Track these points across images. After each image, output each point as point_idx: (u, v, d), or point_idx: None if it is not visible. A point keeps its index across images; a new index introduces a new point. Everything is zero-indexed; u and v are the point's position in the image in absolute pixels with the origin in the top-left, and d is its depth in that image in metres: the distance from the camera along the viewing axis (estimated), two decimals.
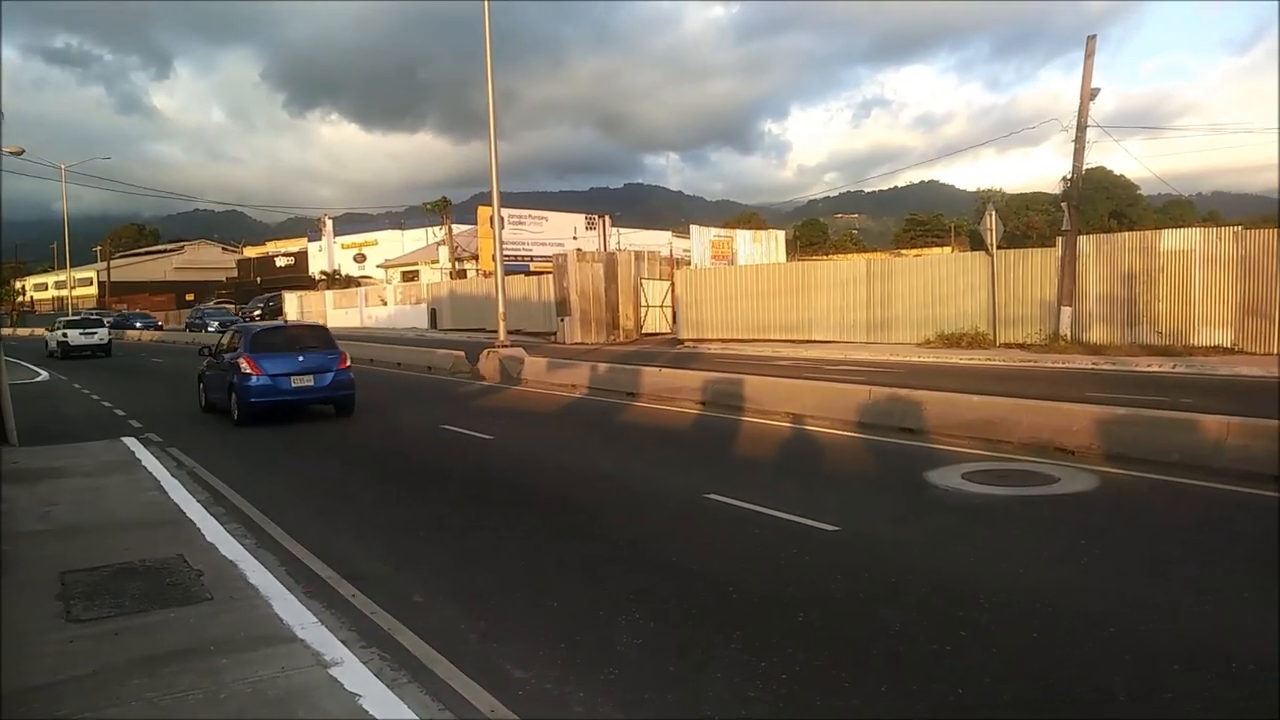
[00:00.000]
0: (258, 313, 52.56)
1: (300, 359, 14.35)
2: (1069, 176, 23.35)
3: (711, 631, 5.07)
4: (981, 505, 7.88)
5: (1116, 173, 69.39)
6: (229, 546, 6.79)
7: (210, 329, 46.02)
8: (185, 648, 4.73)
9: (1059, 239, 23.27)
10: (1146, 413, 10.01)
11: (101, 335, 36.28)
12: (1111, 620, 5.02)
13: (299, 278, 73.70)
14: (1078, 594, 5.54)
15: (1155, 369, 18.52)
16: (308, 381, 14.29)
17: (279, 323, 25.26)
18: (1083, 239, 22.98)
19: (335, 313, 58.74)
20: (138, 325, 58.80)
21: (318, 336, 15.71)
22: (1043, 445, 9.78)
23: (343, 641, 4.80)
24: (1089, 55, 22.51)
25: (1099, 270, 22.31)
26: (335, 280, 68.21)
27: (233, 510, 8.34)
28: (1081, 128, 22.58)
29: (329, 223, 75.91)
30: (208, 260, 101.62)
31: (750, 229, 50.90)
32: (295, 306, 62.03)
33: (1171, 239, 21.57)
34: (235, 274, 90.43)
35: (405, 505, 8.82)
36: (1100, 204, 66.62)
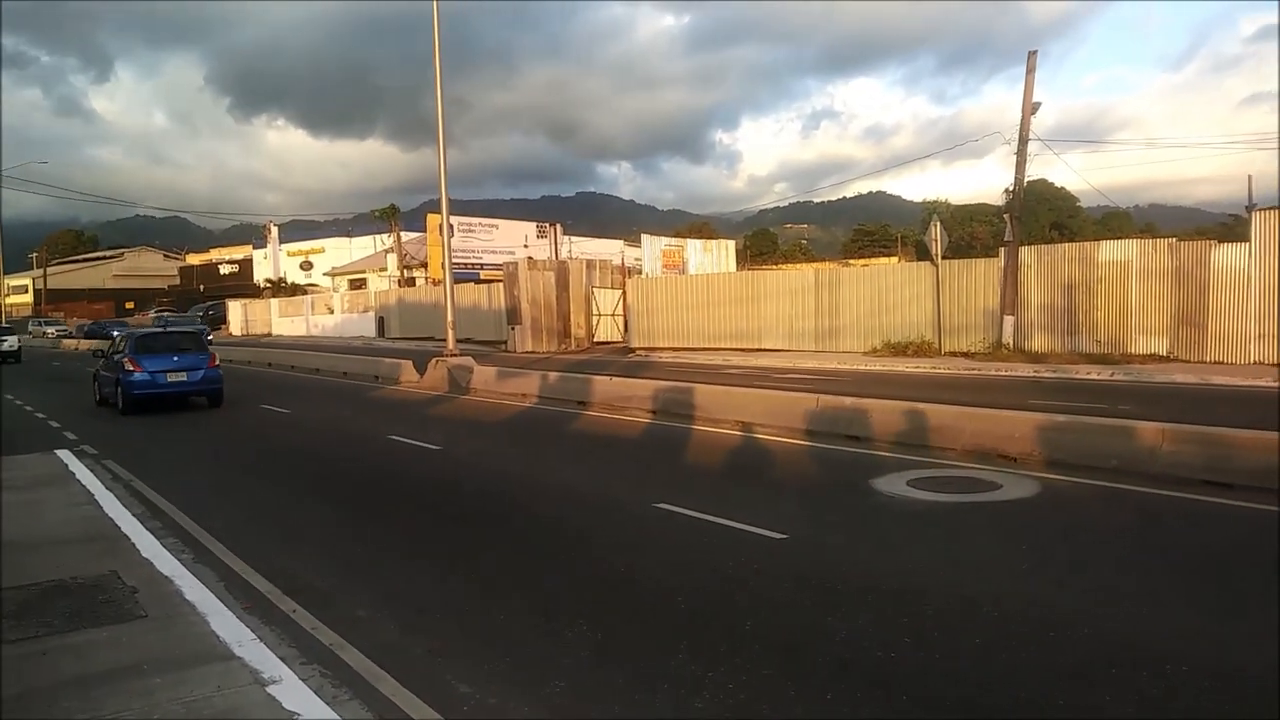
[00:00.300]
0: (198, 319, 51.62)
1: (175, 359, 17.52)
2: (1011, 189, 23.89)
3: (659, 642, 5.06)
4: (925, 512, 7.99)
5: (1058, 185, 71.24)
6: (165, 562, 6.61)
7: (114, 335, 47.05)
8: (117, 667, 4.59)
9: (1002, 250, 23.75)
10: (1085, 420, 10.24)
11: (11, 343, 39.52)
12: (1051, 624, 5.11)
13: (243, 286, 72.48)
14: (1018, 599, 5.64)
15: (1094, 376, 18.99)
16: (181, 377, 17.47)
17: (158, 329, 29.22)
18: (1024, 250, 23.49)
19: (281, 321, 57.77)
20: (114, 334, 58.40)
21: (192, 340, 19.07)
22: (986, 452, 9.96)
23: (282, 659, 4.70)
24: (1030, 70, 23.06)
25: (1040, 280, 22.83)
26: (281, 288, 67.16)
27: (170, 525, 8.13)
28: (1023, 141, 23.11)
29: (274, 230, 74.76)
30: (149, 268, 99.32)
31: (701, 238, 51.16)
32: (239, 315, 60.89)
33: (1109, 250, 22.16)
34: (178, 281, 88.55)
35: (349, 518, 8.68)
36: (1042, 215, 68.30)
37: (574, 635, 5.18)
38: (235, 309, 61.57)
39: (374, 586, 6.36)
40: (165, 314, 59.52)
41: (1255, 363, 19.42)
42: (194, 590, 5.89)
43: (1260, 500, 7.65)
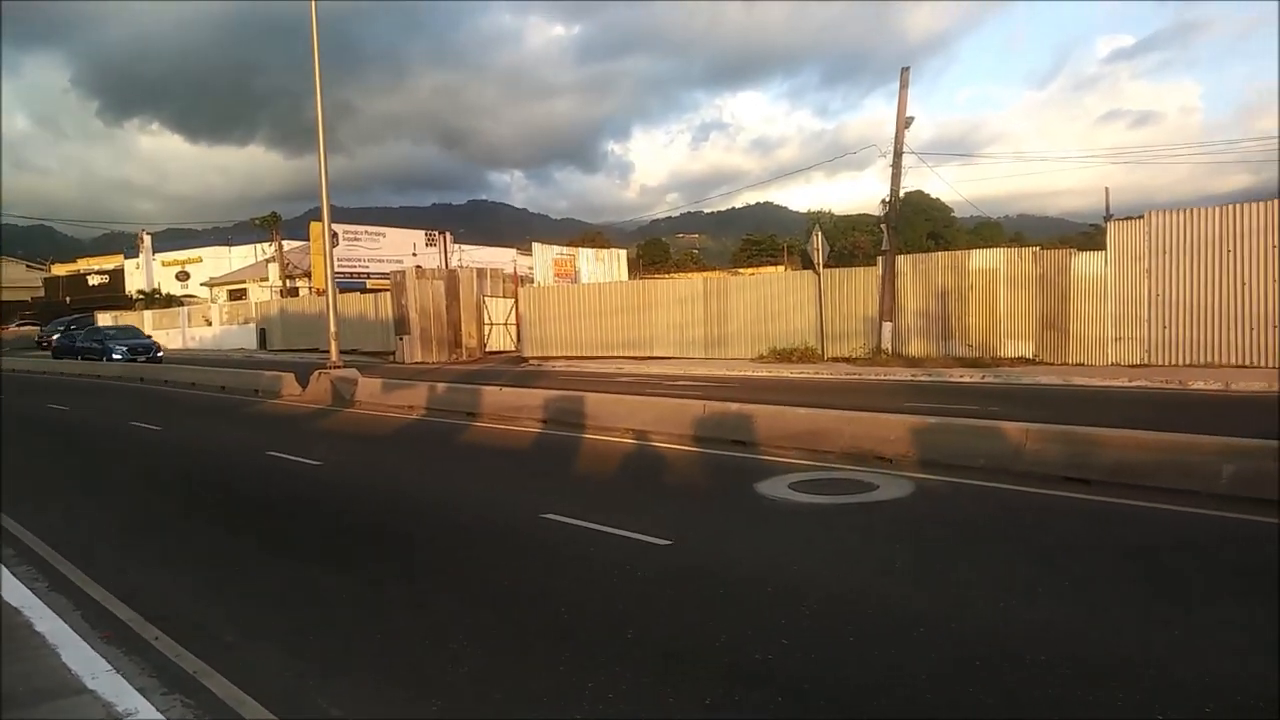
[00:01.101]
0: (56, 336, 48.32)
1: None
2: (887, 199, 24.80)
3: (541, 654, 5.02)
4: (806, 514, 8.19)
5: (934, 196, 74.25)
6: (15, 591, 6.19)
7: None
8: None
9: (880, 258, 24.63)
10: (955, 421, 10.69)
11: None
12: (921, 620, 5.30)
13: (114, 297, 68.67)
14: (891, 596, 5.83)
15: (967, 379, 19.86)
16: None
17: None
18: (901, 258, 24.42)
19: (155, 334, 54.94)
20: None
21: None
22: (864, 454, 10.28)
23: (140, 689, 4.46)
24: (903, 86, 24.02)
25: (915, 288, 23.77)
26: (155, 300, 64.05)
27: (24, 551, 7.62)
28: (898, 154, 24.04)
29: (148, 239, 71.31)
30: (10, 279, 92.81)
31: (595, 247, 51.32)
32: None
33: (979, 258, 23.24)
34: (42, 293, 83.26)
35: (221, 539, 8.32)
36: (919, 225, 71.11)
37: (455, 651, 5.09)
38: (105, 322, 58.29)
39: (245, 610, 6.11)
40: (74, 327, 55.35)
41: (1113, 364, 20.69)
42: (46, 621, 5.53)
43: (1117, 495, 8.13)
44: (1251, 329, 19.24)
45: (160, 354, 37.43)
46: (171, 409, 20.39)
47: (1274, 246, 18.99)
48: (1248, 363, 19.11)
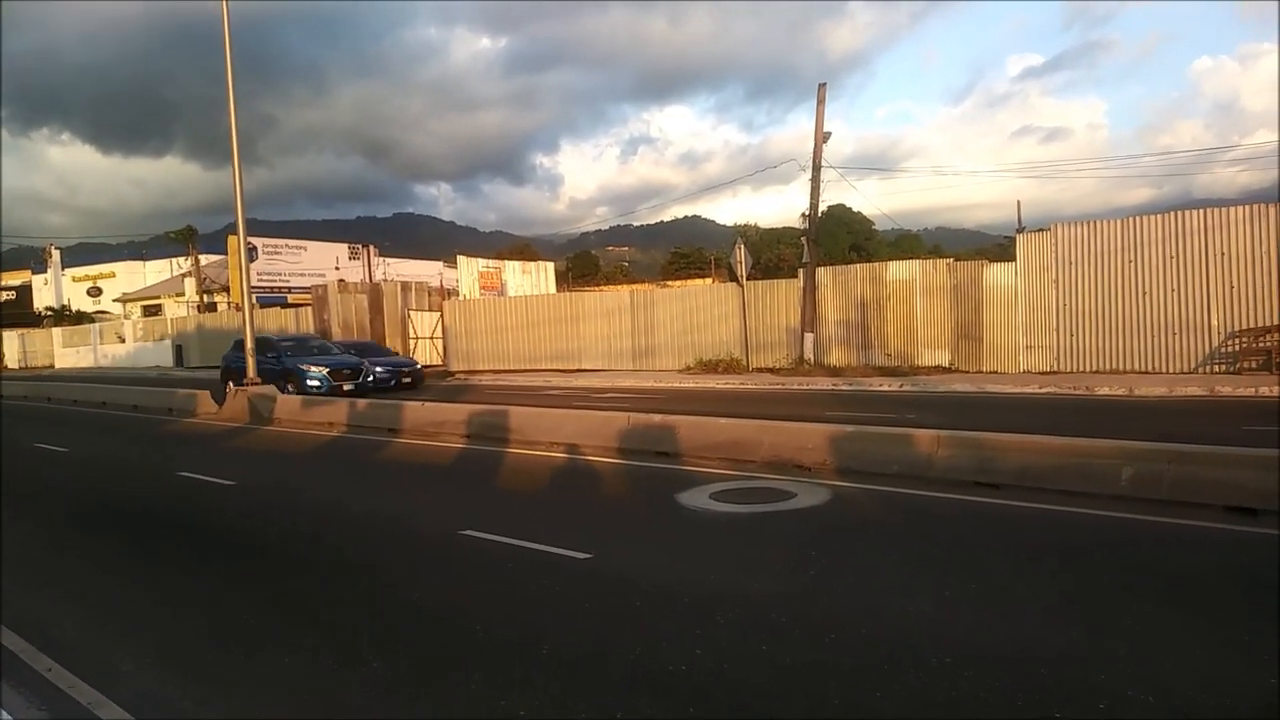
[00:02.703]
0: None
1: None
2: (808, 213, 25.26)
3: (454, 673, 4.96)
4: (726, 523, 8.26)
5: (855, 210, 75.77)
6: None
7: None
8: None
9: (801, 270, 25.05)
10: (869, 430, 10.92)
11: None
12: (832, 626, 5.39)
13: (21, 314, 65.85)
14: (803, 602, 5.92)
15: (886, 388, 20.31)
16: None
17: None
18: (822, 270, 24.89)
19: (65, 352, 53.04)
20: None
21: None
22: (783, 463, 10.44)
23: None
24: (820, 102, 24.53)
25: (836, 299, 24.25)
26: (65, 316, 61.66)
27: None
28: (816, 168, 24.52)
29: (57, 253, 68.64)
30: None
31: (523, 260, 51.05)
32: (16, 347, 55.42)
33: (896, 270, 23.83)
34: None
35: (125, 563, 8.02)
36: (841, 238, 72.48)
37: (365, 673, 5.00)
38: (11, 340, 55.93)
39: (146, 636, 5.89)
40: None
41: (1025, 371, 21.40)
42: None
43: (1023, 498, 8.42)
44: (1152, 336, 20.12)
45: (412, 376, 25.68)
46: (81, 429, 19.63)
47: (1172, 257, 19.91)
48: (1149, 369, 19.97)
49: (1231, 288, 19.27)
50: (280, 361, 23.61)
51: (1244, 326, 19.08)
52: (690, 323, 26.83)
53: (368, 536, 8.57)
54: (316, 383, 22.80)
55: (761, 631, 5.37)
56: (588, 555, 7.19)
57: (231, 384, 20.68)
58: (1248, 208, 19.36)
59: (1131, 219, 20.64)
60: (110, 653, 5.56)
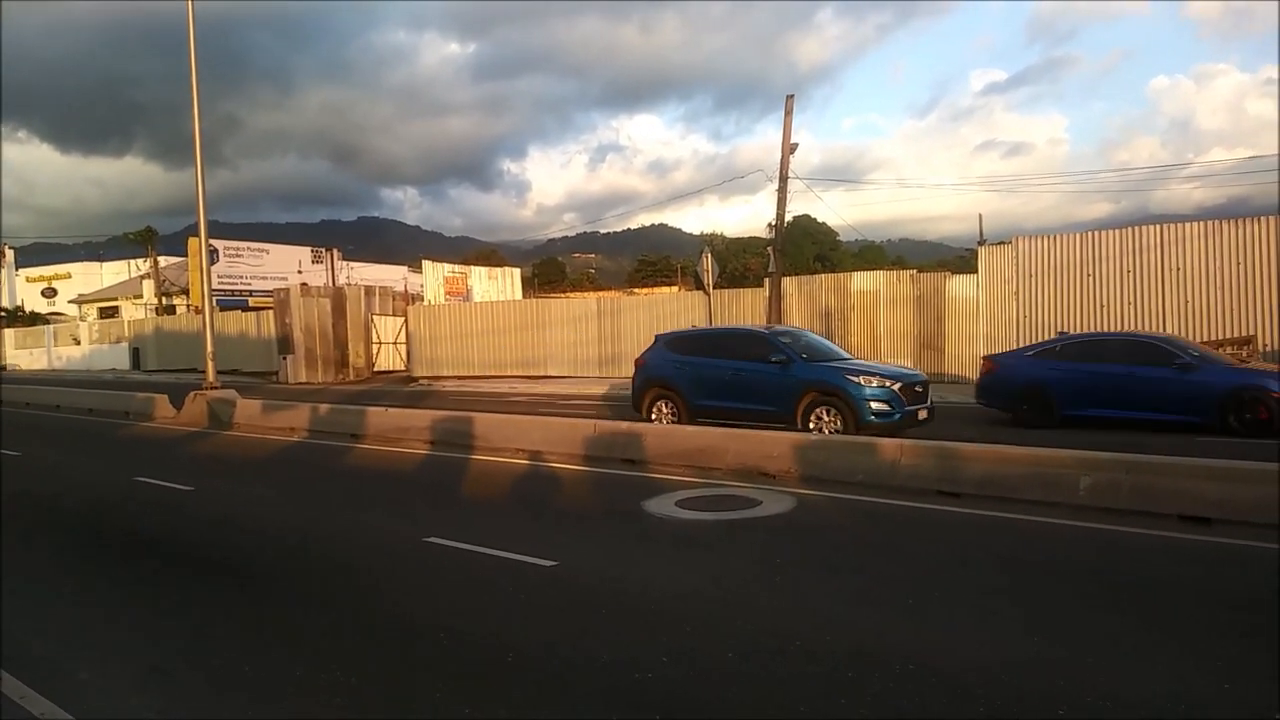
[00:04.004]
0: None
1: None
2: (774, 223, 25.45)
3: (420, 682, 4.91)
4: (692, 531, 8.28)
5: (820, 220, 76.57)
6: None
7: None
8: None
9: (766, 280, 25.22)
10: (835, 438, 11.03)
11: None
12: (798, 634, 5.41)
13: None
14: (771, 611, 5.94)
15: None
16: None
17: None
18: (787, 280, 25.08)
19: (18, 354, 51.92)
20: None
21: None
22: (749, 471, 10.48)
23: None
24: (788, 113, 24.75)
25: (801, 308, 24.44)
26: (19, 317, 60.36)
27: None
28: (783, 179, 24.73)
29: (10, 253, 67.22)
30: None
31: (490, 266, 50.86)
32: None
33: (860, 280, 24.08)
34: None
35: (80, 571, 7.83)
36: (807, 249, 73.17)
37: (328, 682, 4.92)
38: None
39: (103, 646, 5.76)
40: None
41: None
42: None
43: (984, 507, 8.54)
44: None
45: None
46: (32, 433, 19.18)
47: (1129, 271, 20.31)
48: None
49: (1186, 302, 19.70)
50: (790, 371, 13.87)
51: (1202, 340, 19.51)
52: (657, 330, 26.84)
53: (329, 543, 8.46)
54: (884, 404, 13.04)
55: (728, 639, 5.38)
56: (553, 562, 7.16)
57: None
58: (1202, 224, 19.81)
59: (1090, 233, 21.05)
60: (67, 661, 5.43)
